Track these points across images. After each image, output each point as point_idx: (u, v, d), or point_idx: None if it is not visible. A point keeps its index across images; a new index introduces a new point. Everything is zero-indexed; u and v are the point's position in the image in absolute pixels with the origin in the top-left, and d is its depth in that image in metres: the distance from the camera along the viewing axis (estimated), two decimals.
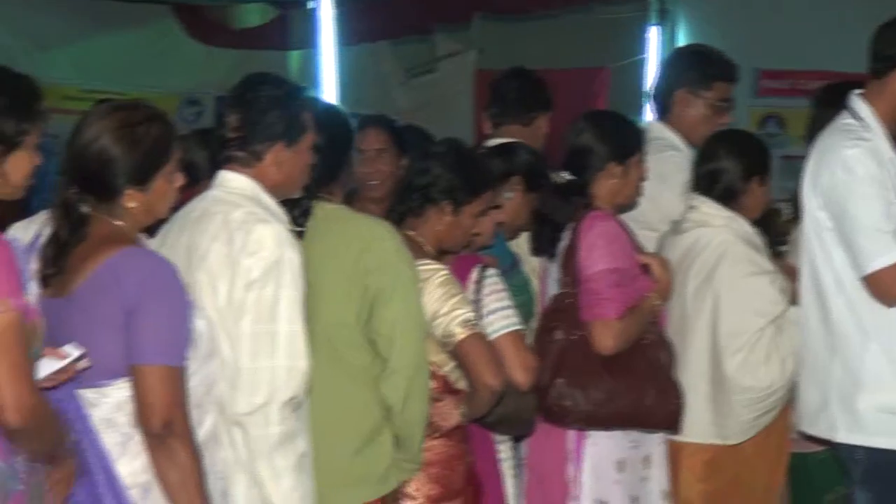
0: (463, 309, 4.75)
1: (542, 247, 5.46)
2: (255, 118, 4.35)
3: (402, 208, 5.00)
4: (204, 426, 4.11)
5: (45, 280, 3.99)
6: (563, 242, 5.32)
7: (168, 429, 3.88)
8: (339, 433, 4.51)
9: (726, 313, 5.46)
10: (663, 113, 6.63)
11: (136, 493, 3.95)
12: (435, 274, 4.79)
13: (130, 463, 3.96)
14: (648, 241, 5.84)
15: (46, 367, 3.71)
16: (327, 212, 4.56)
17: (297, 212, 4.50)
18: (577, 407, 5.10)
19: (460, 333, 4.71)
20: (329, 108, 4.87)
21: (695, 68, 6.55)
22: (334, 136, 4.69)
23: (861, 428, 5.02)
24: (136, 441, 3.95)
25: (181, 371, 3.96)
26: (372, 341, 4.53)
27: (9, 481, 3.69)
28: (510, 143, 5.97)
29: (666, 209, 6.00)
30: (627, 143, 5.45)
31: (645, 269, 5.29)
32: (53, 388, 3.83)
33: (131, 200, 4.02)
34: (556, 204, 5.40)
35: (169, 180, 4.10)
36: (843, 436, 5.07)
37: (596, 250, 5.17)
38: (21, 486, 3.72)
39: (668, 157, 6.26)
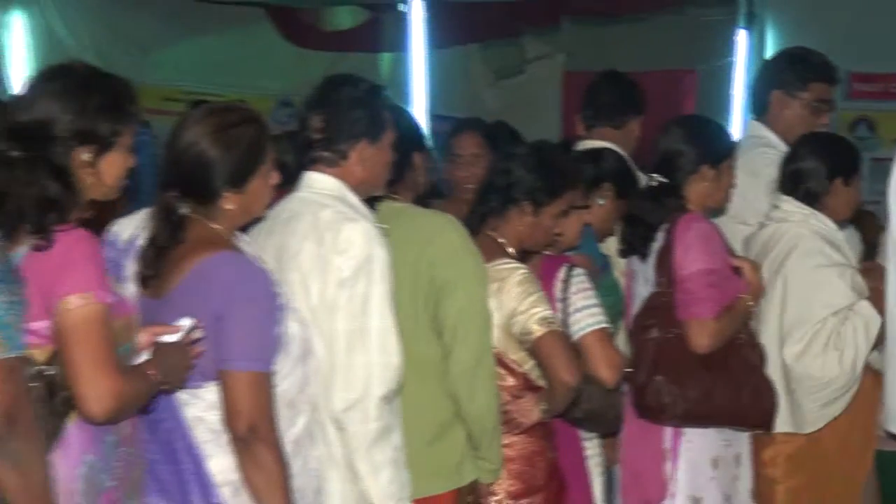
0: (540, 307, 4.74)
1: (634, 247, 5.42)
2: (337, 118, 4.35)
3: (483, 209, 5.00)
4: (297, 425, 4.14)
5: (144, 281, 4.00)
6: (657, 244, 5.29)
7: (253, 433, 3.90)
8: (411, 425, 4.47)
9: (792, 302, 5.47)
10: (761, 113, 6.62)
11: (227, 490, 3.99)
12: (513, 273, 4.80)
13: (221, 461, 3.99)
14: (740, 234, 5.87)
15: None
16: (392, 209, 4.58)
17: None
18: (674, 404, 5.10)
19: (537, 331, 4.71)
20: (395, 109, 4.85)
21: (791, 69, 6.55)
22: (401, 137, 4.67)
23: None
24: (227, 440, 3.97)
25: (268, 376, 3.97)
26: (439, 334, 4.50)
27: (100, 476, 3.69)
28: (599, 149, 5.97)
29: (754, 203, 5.99)
30: (721, 147, 5.44)
31: (737, 271, 5.25)
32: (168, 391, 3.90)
33: (229, 202, 4.04)
34: (649, 206, 5.39)
35: (265, 180, 4.11)
36: None
37: (692, 251, 5.16)
38: (111, 480, 3.72)
39: (760, 153, 6.26)
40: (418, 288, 4.44)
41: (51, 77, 3.87)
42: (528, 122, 8.35)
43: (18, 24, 12.19)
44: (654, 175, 5.49)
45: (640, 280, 5.44)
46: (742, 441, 5.33)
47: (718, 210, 5.71)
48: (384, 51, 12.93)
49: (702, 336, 5.10)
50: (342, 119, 4.36)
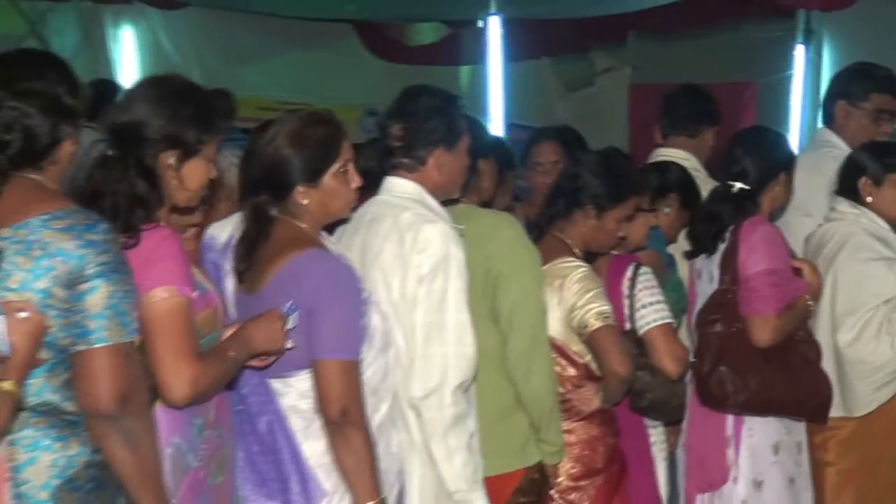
0: (598, 303, 4.75)
1: (704, 245, 5.42)
2: (416, 126, 4.38)
3: (551, 211, 5.02)
4: (380, 412, 4.16)
5: (240, 276, 4.04)
6: (723, 245, 5.27)
7: (345, 417, 3.92)
8: (477, 407, 4.48)
9: (842, 293, 5.43)
10: (829, 122, 6.61)
11: (321, 472, 4.00)
12: (574, 270, 4.80)
13: (313, 445, 4.01)
14: (803, 226, 5.91)
15: None
16: (459, 210, 4.58)
17: None
18: (736, 393, 5.09)
19: (594, 325, 4.72)
20: (464, 118, 4.88)
21: (853, 81, 6.54)
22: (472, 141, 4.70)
23: None
24: (318, 425, 4.00)
25: (356, 364, 4.00)
26: (496, 322, 4.52)
27: (186, 455, 3.74)
28: (665, 162, 5.96)
29: (817, 196, 5.98)
30: (791, 155, 5.46)
31: (797, 272, 5.24)
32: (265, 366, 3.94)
33: (304, 197, 4.07)
34: (727, 207, 5.38)
35: (341, 179, 4.12)
36: None
37: (756, 252, 5.16)
38: (197, 461, 3.76)
39: (825, 153, 6.28)
40: (477, 281, 4.42)
41: (150, 84, 3.91)
42: (596, 131, 8.34)
43: (129, 39, 12.31)
44: (733, 182, 5.48)
45: (705, 278, 5.42)
46: (802, 429, 5.32)
47: (779, 214, 5.73)
48: (464, 64, 12.96)
49: (763, 331, 5.09)
50: (420, 127, 4.38)
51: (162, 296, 3.59)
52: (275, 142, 4.05)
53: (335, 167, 4.09)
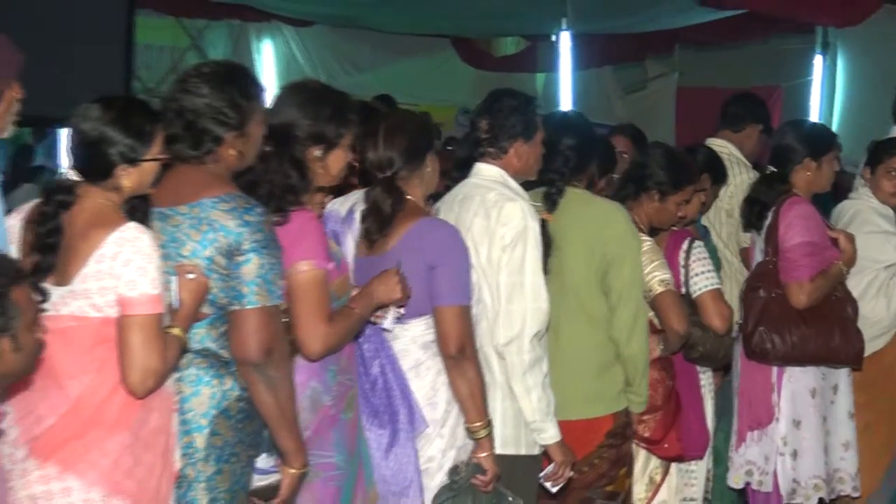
0: (660, 272, 4.71)
1: (751, 223, 5.38)
2: (500, 122, 4.35)
3: (622, 193, 4.97)
4: None
5: (370, 243, 4.04)
6: (767, 221, 5.23)
7: (461, 353, 3.90)
8: (582, 362, 4.50)
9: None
10: None
11: (423, 404, 3.98)
12: (646, 243, 4.75)
13: (420, 382, 3.98)
14: None
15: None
16: (574, 194, 4.54)
17: (554, 191, 4.52)
18: (774, 348, 5.04)
19: (657, 290, 4.68)
20: (581, 118, 4.87)
21: None
22: (584, 139, 4.70)
23: None
24: (425, 366, 3.98)
25: (470, 309, 3.98)
26: (606, 294, 4.49)
27: (322, 396, 3.73)
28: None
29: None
30: (822, 144, 5.33)
31: (834, 241, 5.20)
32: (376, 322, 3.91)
33: (413, 176, 4.08)
34: (763, 190, 5.35)
35: (434, 163, 4.14)
36: None
37: (793, 227, 5.09)
38: (330, 399, 3.76)
39: None
40: (593, 259, 4.41)
41: (293, 91, 3.91)
42: (648, 127, 8.23)
43: (268, 50, 12.39)
44: (769, 166, 5.45)
45: (757, 250, 5.35)
46: (840, 374, 5.22)
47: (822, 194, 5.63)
48: (539, 71, 12.92)
49: (800, 295, 5.03)
50: (503, 123, 4.35)
51: (304, 268, 3.61)
52: (388, 133, 4.05)
53: (430, 155, 4.12)
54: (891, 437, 5.43)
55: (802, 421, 5.15)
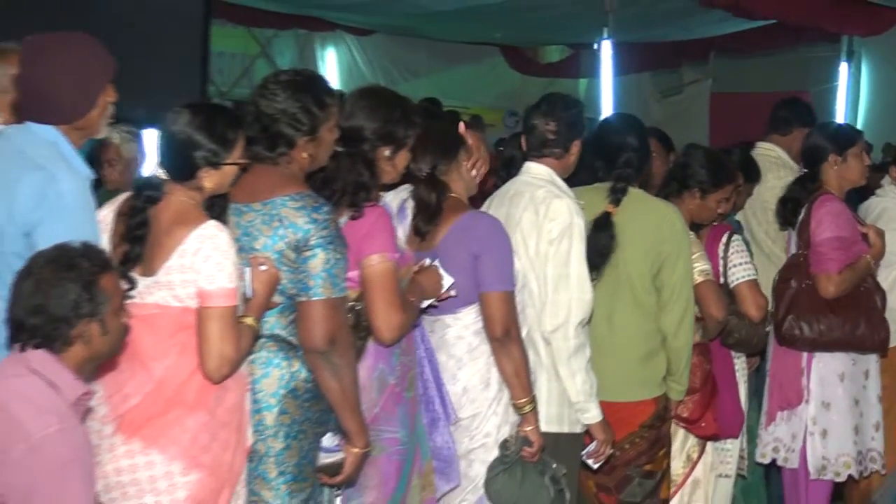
0: (701, 263, 4.68)
1: (786, 220, 5.35)
2: (564, 124, 4.33)
3: (665, 191, 4.95)
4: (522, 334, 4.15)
5: (422, 235, 4.05)
6: (801, 217, 5.20)
7: (507, 335, 3.90)
8: (630, 349, 4.47)
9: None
10: None
11: (478, 385, 3.99)
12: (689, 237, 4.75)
13: (475, 365, 3.99)
14: None
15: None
16: (632, 193, 4.52)
17: (620, 188, 4.45)
18: (803, 335, 5.02)
19: (698, 279, 4.64)
20: (638, 121, 4.84)
21: None
22: (644, 141, 4.67)
23: None
24: (479, 350, 3.97)
25: (513, 294, 3.98)
26: (658, 288, 4.46)
27: (387, 377, 3.75)
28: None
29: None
30: (843, 139, 5.29)
31: (864, 237, 5.15)
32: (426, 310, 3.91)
33: (455, 173, 4.08)
34: (797, 189, 5.32)
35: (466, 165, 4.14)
36: None
37: (823, 223, 5.05)
38: (394, 379, 3.77)
39: None
40: (648, 255, 4.37)
41: (363, 95, 3.91)
42: (684, 129, 8.27)
43: (332, 57, 12.46)
44: (802, 168, 5.46)
45: (793, 244, 5.34)
46: (869, 360, 5.18)
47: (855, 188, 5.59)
48: (582, 77, 12.94)
49: (828, 286, 4.98)
50: (567, 125, 4.35)
51: (376, 260, 3.62)
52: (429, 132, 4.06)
53: (462, 156, 4.11)
54: None
55: (832, 403, 5.10)
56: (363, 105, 3.83)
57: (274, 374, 3.44)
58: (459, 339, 3.98)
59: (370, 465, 3.66)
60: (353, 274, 3.62)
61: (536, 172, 4.32)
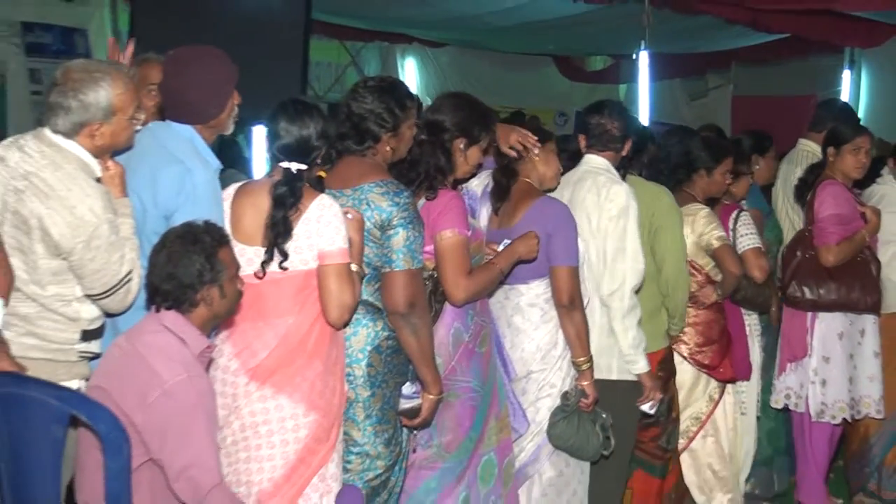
0: (718, 231, 4.72)
1: (801, 199, 5.36)
2: (625, 124, 4.42)
3: (676, 177, 4.90)
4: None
5: (501, 217, 4.06)
6: (808, 198, 5.22)
7: (571, 303, 3.92)
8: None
9: (883, 230, 5.25)
10: None
11: (548, 345, 4.01)
12: (700, 210, 4.77)
13: (546, 328, 4.00)
14: None
15: None
16: (632, 178, 4.53)
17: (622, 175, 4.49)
18: (804, 297, 5.05)
19: (716, 244, 4.69)
20: (630, 117, 4.78)
21: None
22: (640, 138, 4.68)
23: None
24: (548, 315, 3.99)
25: (577, 269, 3.99)
26: (654, 254, 4.46)
27: (462, 334, 3.76)
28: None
29: None
30: (839, 135, 5.24)
31: (863, 216, 5.15)
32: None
33: (527, 163, 4.09)
34: (809, 174, 5.37)
35: (549, 156, 4.16)
36: None
37: (825, 203, 5.06)
38: (468, 336, 3.77)
39: None
40: (644, 227, 4.37)
41: (450, 96, 3.96)
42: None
43: (411, 66, 12.44)
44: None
45: (804, 221, 5.35)
46: (866, 321, 5.17)
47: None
48: (622, 83, 12.82)
49: (827, 255, 5.00)
50: (626, 125, 4.41)
51: (448, 235, 3.64)
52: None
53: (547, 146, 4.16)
54: None
55: (831, 357, 5.12)
56: (448, 103, 3.89)
57: (362, 333, 3.48)
58: (532, 307, 4.00)
59: (448, 409, 3.72)
60: (429, 248, 3.65)
61: (596, 163, 4.37)
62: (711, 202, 4.95)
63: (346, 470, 3.45)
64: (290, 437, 3.23)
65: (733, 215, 4.96)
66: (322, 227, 3.23)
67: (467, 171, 3.91)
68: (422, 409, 3.56)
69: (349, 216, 3.34)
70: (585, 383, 3.99)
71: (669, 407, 4.62)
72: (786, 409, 5.29)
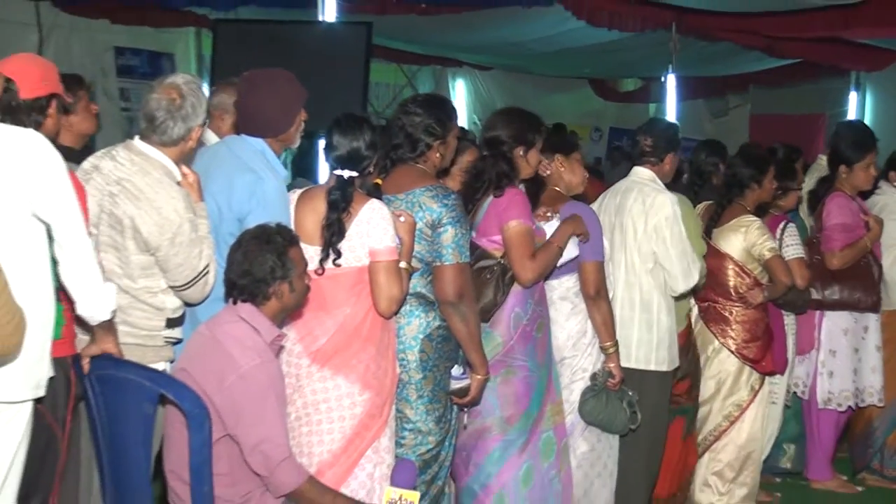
0: (770, 242, 4.65)
1: (813, 208, 5.33)
2: (658, 141, 4.36)
3: (729, 195, 4.78)
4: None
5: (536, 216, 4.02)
6: (818, 209, 5.20)
7: (598, 294, 3.92)
8: None
9: (885, 236, 5.22)
10: None
11: (578, 333, 3.99)
12: (754, 223, 4.69)
13: (577, 318, 3.98)
14: None
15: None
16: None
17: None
18: (811, 297, 5.02)
19: (768, 255, 4.62)
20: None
21: None
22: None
23: None
24: (579, 307, 3.98)
25: (602, 264, 3.98)
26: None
27: (521, 318, 3.76)
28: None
29: None
30: (850, 155, 5.17)
31: (866, 225, 5.11)
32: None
33: (561, 166, 4.06)
34: (821, 187, 5.32)
35: (574, 164, 4.10)
36: None
37: (832, 213, 5.05)
38: (526, 321, 3.77)
39: None
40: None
41: (502, 112, 3.96)
42: (729, 143, 8.04)
43: (461, 87, 12.42)
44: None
45: (814, 228, 5.32)
46: (869, 318, 5.14)
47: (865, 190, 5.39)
48: (651, 102, 12.69)
49: (832, 260, 4.99)
50: (662, 141, 4.37)
51: (514, 225, 3.68)
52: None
53: (574, 156, 4.13)
54: None
55: (837, 351, 5.11)
56: (501, 119, 3.91)
57: (415, 322, 3.48)
58: (563, 300, 3.98)
59: (508, 385, 3.75)
60: (497, 237, 3.71)
61: (642, 175, 4.36)
62: (761, 212, 4.88)
63: (400, 445, 3.45)
64: (347, 413, 3.24)
65: (780, 226, 4.89)
66: (372, 228, 3.23)
67: (530, 172, 3.91)
68: (470, 389, 3.55)
69: (402, 219, 3.35)
70: (612, 365, 3.97)
71: (695, 363, 4.65)
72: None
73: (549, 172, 4.03)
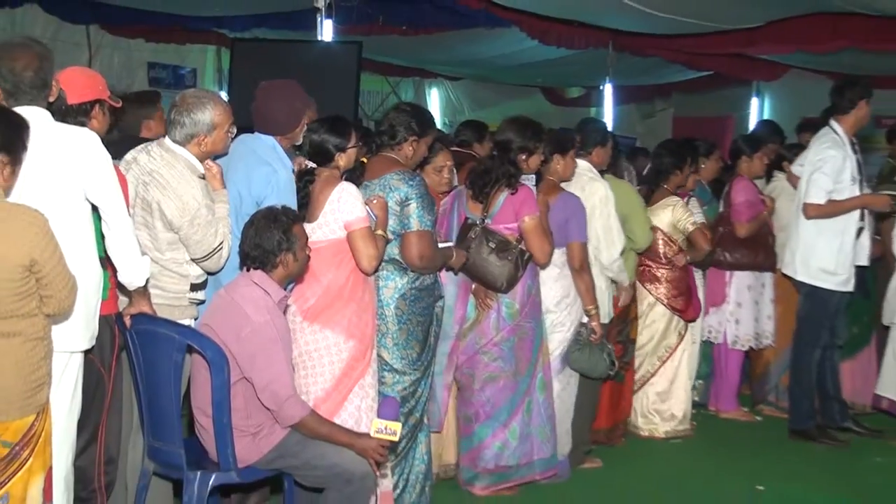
0: (692, 217, 4.73)
1: (718, 193, 5.38)
2: (584, 136, 4.41)
3: (656, 181, 4.87)
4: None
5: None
6: (725, 190, 5.25)
7: (581, 267, 3.98)
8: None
9: (778, 215, 5.23)
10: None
11: (565, 296, 4.04)
12: (678, 202, 4.76)
13: (560, 283, 4.04)
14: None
15: None
16: (607, 177, 4.49)
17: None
18: (725, 260, 5.08)
19: (691, 228, 4.70)
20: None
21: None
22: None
23: None
24: (563, 274, 4.03)
25: (586, 243, 4.03)
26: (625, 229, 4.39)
27: (531, 288, 3.89)
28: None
29: None
30: (746, 147, 5.22)
31: (763, 202, 5.14)
32: None
33: (557, 163, 4.10)
34: (726, 174, 5.41)
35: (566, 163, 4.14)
36: None
37: (738, 193, 5.11)
38: (534, 289, 3.88)
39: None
40: (618, 211, 4.30)
41: (511, 120, 3.96)
42: (656, 141, 8.09)
43: (435, 94, 12.36)
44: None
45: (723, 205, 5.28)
46: (766, 276, 5.18)
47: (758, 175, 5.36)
48: (592, 106, 12.66)
49: (740, 230, 5.03)
50: (588, 136, 4.39)
51: (528, 220, 3.75)
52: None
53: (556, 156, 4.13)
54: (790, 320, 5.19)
55: (742, 303, 5.16)
56: (511, 126, 3.92)
57: (391, 284, 3.49)
58: (553, 266, 3.99)
59: (521, 344, 3.87)
60: (513, 226, 3.76)
61: (581, 166, 4.31)
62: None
63: (381, 383, 3.47)
64: (335, 358, 3.24)
65: (685, 199, 4.91)
66: (342, 204, 3.23)
67: (530, 172, 3.92)
68: (455, 255, 3.71)
69: (374, 201, 3.36)
70: (594, 324, 4.04)
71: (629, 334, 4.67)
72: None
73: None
